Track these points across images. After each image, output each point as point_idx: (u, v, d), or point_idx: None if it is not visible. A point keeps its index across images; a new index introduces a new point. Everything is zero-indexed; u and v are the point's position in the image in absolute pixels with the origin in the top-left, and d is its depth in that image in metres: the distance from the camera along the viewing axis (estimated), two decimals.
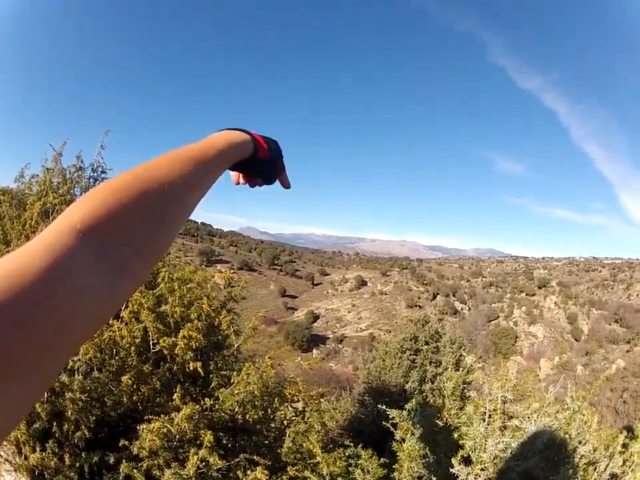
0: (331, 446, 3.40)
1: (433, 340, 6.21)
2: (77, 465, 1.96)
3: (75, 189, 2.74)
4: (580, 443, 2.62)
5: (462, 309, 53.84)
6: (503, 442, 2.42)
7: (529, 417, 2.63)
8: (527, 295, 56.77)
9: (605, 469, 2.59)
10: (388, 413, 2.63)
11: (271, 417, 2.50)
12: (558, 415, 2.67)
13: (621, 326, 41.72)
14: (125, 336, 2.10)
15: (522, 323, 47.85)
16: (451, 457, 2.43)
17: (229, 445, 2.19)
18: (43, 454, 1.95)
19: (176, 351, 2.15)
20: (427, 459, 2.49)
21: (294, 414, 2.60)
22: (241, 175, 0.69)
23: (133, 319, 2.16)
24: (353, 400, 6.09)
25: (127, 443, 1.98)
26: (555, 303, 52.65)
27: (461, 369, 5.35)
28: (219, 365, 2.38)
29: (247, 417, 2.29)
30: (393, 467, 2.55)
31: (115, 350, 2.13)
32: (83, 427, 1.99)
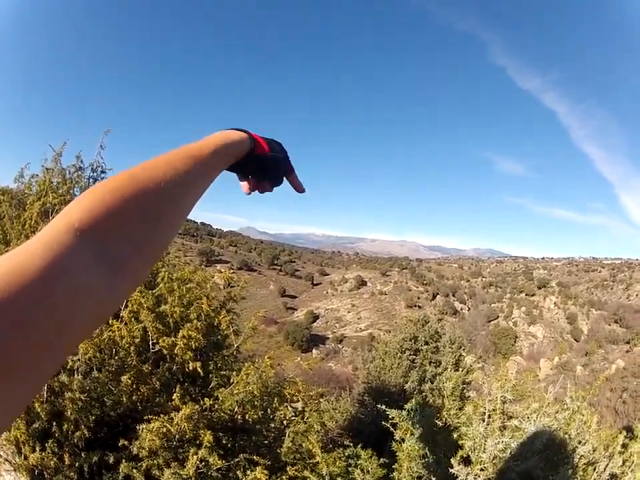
0: (331, 446, 3.40)
1: (432, 340, 6.21)
2: (77, 464, 1.96)
3: (75, 189, 2.73)
4: (579, 443, 2.62)
5: (461, 309, 53.85)
6: (502, 442, 2.42)
7: (528, 417, 2.63)
8: (526, 295, 56.78)
9: (605, 469, 2.59)
10: (387, 412, 2.63)
11: (271, 417, 2.50)
12: (557, 415, 2.67)
13: (620, 326, 41.72)
14: (124, 336, 2.10)
15: (521, 323, 47.86)
16: (451, 457, 2.43)
17: (229, 445, 2.19)
18: (43, 454, 1.95)
19: (175, 351, 2.15)
20: (426, 459, 2.49)
21: (293, 414, 2.60)
22: (250, 183, 0.68)
23: (133, 319, 2.16)
24: (352, 400, 6.09)
25: (126, 442, 1.98)
26: (555, 303, 52.66)
27: (460, 369, 5.35)
28: (219, 364, 2.38)
29: (247, 417, 2.29)
30: (393, 467, 2.55)
31: (114, 350, 2.13)
32: (83, 426, 1.99)
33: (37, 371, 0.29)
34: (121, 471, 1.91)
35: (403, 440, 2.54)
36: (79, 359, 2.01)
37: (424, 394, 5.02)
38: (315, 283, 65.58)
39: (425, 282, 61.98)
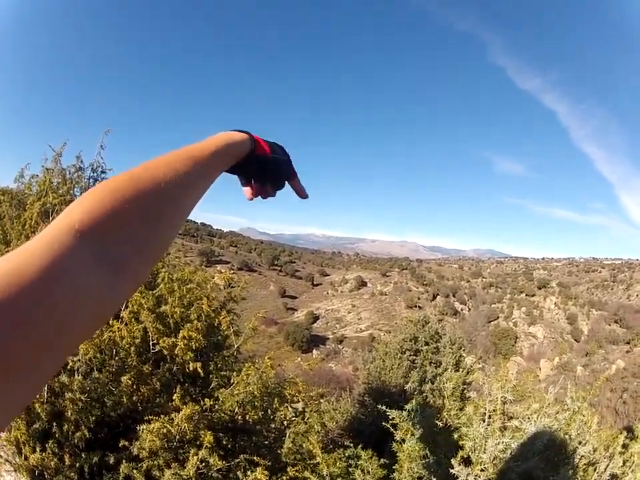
0: (331, 446, 3.40)
1: (432, 340, 6.21)
2: (77, 465, 1.96)
3: (75, 189, 2.74)
4: (580, 443, 2.62)
5: (462, 310, 53.82)
6: (502, 443, 2.42)
7: (528, 418, 2.63)
8: (526, 295, 56.76)
9: (605, 470, 2.59)
10: (388, 413, 2.62)
11: (271, 417, 2.50)
12: (558, 416, 2.67)
13: (620, 326, 41.70)
14: (124, 336, 2.10)
15: (522, 324, 47.84)
16: (451, 457, 2.43)
17: (229, 446, 2.19)
18: (43, 454, 1.95)
19: (176, 352, 2.15)
20: (426, 460, 2.49)
21: (294, 414, 2.60)
22: (252, 187, 0.68)
23: (133, 320, 2.16)
24: (352, 400, 6.09)
25: (126, 443, 1.98)
26: (555, 303, 52.64)
27: (460, 369, 5.34)
28: (219, 365, 2.38)
29: (247, 418, 2.29)
30: (393, 467, 2.55)
31: (114, 350, 2.13)
32: (83, 427, 1.99)
33: (37, 371, 0.29)
34: (121, 471, 1.91)
35: (404, 440, 2.54)
36: (79, 360, 2.01)
37: (424, 394, 5.01)
38: (315, 283, 65.58)
39: (425, 282, 61.97)
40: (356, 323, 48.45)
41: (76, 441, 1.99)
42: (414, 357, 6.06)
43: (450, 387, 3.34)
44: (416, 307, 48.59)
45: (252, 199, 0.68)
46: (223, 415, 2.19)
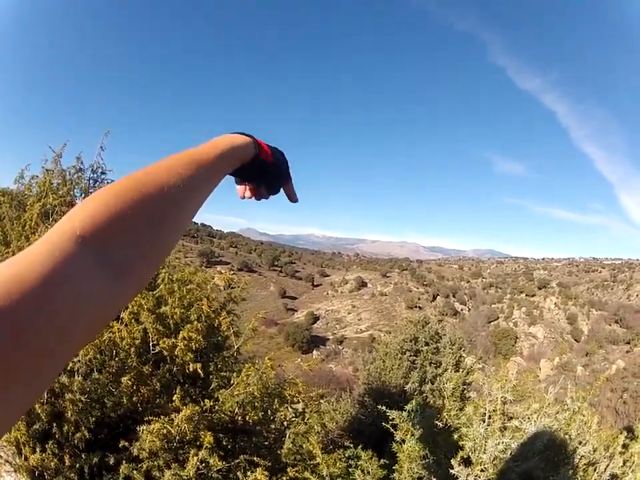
0: (331, 447, 3.40)
1: (432, 341, 6.21)
2: (77, 465, 1.96)
3: (75, 190, 2.74)
4: (580, 443, 2.62)
5: (462, 310, 53.81)
6: (502, 443, 2.42)
7: (528, 418, 2.63)
8: (526, 295, 56.77)
9: (605, 470, 2.59)
10: (388, 414, 2.62)
11: (271, 418, 2.50)
12: (558, 416, 2.67)
13: (620, 326, 41.70)
14: (124, 337, 2.10)
15: (522, 324, 47.83)
16: (451, 457, 2.43)
17: (229, 446, 2.19)
18: (43, 455, 1.95)
19: (176, 352, 2.15)
20: (426, 460, 2.49)
21: (294, 415, 2.60)
22: (246, 188, 0.68)
23: (133, 320, 2.16)
24: (353, 401, 6.09)
25: (126, 444, 1.98)
26: (555, 303, 52.64)
27: (460, 369, 5.34)
28: (219, 366, 2.38)
29: (247, 418, 2.29)
30: (393, 467, 2.55)
31: (114, 351, 2.13)
32: (83, 428, 1.99)
33: (38, 377, 0.29)
34: (121, 472, 1.91)
35: (404, 441, 2.54)
36: (79, 361, 2.01)
37: (424, 395, 5.01)
38: (315, 284, 65.55)
39: (425, 283, 61.95)
40: (356, 323, 48.43)
41: (76, 441, 1.99)
42: (414, 358, 6.06)
43: (450, 388, 3.34)
44: (416, 307, 48.57)
45: (244, 198, 0.69)
46: (223, 415, 2.19)
